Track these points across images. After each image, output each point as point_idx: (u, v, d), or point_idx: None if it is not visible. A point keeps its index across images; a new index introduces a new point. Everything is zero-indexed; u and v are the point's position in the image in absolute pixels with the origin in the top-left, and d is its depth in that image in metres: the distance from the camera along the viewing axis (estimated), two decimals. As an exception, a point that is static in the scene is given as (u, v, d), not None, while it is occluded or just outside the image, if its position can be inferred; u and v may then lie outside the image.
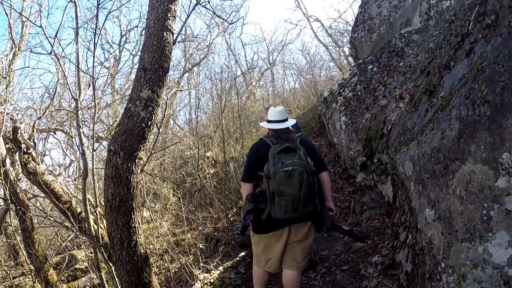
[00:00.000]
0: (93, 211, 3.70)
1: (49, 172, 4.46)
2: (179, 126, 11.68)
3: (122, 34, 13.96)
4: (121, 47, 13.91)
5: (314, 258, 3.39)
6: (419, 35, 5.17)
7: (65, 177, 4.82)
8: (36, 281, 3.61)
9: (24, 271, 4.51)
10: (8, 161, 3.82)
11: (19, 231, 4.05)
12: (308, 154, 2.16)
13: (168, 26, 2.61)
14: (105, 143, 5.83)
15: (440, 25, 5.00)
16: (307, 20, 15.73)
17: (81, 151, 3.29)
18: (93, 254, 3.47)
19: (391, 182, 3.17)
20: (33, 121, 4.41)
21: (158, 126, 4.15)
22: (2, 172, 3.45)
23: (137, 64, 2.72)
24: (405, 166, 1.92)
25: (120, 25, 18.11)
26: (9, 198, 3.55)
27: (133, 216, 2.46)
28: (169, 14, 2.62)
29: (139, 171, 2.52)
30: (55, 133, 5.09)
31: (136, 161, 2.47)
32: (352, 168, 4.70)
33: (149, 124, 2.50)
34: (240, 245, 3.96)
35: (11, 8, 4.24)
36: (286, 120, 2.33)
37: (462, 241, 1.44)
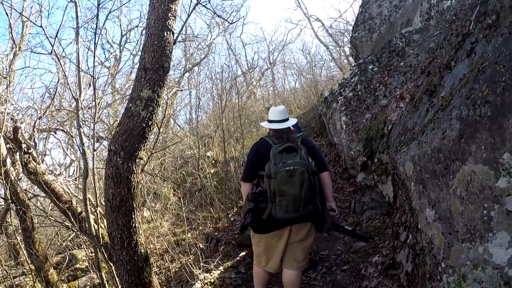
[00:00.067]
0: (94, 210, 3.70)
1: (50, 172, 4.46)
2: (179, 125, 11.69)
3: (123, 33, 13.99)
4: (121, 47, 13.93)
5: (315, 258, 3.39)
6: (419, 35, 5.17)
7: (65, 177, 4.82)
8: (37, 281, 3.62)
9: (25, 270, 4.51)
10: (8, 161, 3.82)
11: (20, 231, 4.05)
12: (309, 154, 2.16)
13: (169, 26, 2.61)
14: (105, 143, 5.83)
15: (440, 25, 4.99)
16: (307, 19, 15.76)
17: (81, 150, 3.29)
18: (93, 254, 3.47)
19: (392, 182, 3.17)
20: (33, 121, 4.41)
21: (159, 126, 4.15)
22: (2, 172, 3.46)
23: (138, 64, 2.72)
24: (406, 166, 1.92)
25: (120, 25, 18.12)
26: (9, 198, 3.55)
27: (133, 216, 2.46)
28: (169, 14, 2.62)
29: (139, 170, 2.52)
30: (55, 133, 5.10)
31: (137, 160, 2.47)
32: (352, 168, 4.70)
33: (149, 123, 2.50)
34: (238, 244, 3.96)
35: (11, 8, 4.25)
36: (287, 119, 2.32)
37: (463, 241, 1.43)
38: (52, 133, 5.09)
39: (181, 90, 11.45)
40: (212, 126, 8.64)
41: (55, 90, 5.13)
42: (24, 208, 3.91)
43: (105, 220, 2.87)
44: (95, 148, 3.34)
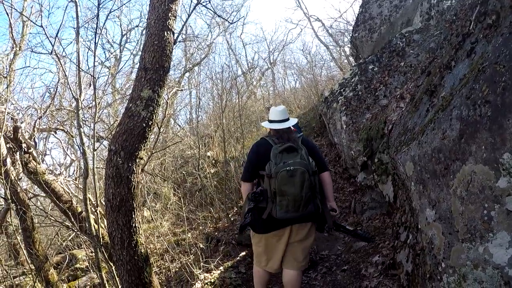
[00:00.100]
0: (94, 210, 3.70)
1: (50, 172, 4.46)
2: (179, 125, 11.70)
3: (123, 33, 14.00)
4: (121, 47, 13.95)
5: (315, 258, 3.39)
6: (420, 35, 5.17)
7: (65, 177, 4.82)
8: (37, 281, 3.62)
9: (25, 270, 4.52)
10: (9, 160, 3.83)
11: (20, 231, 4.06)
12: (309, 154, 2.16)
13: (169, 26, 2.61)
14: (105, 142, 5.83)
15: (441, 25, 4.99)
16: (307, 19, 15.78)
17: (81, 150, 3.30)
18: (93, 254, 3.48)
19: (392, 182, 3.17)
20: (33, 120, 4.41)
21: (159, 126, 4.15)
22: (3, 172, 3.46)
23: (138, 64, 2.72)
24: (406, 166, 1.92)
25: (121, 25, 18.10)
26: (9, 198, 3.55)
27: (133, 216, 2.46)
28: (169, 14, 2.62)
29: (139, 170, 2.52)
30: (55, 132, 5.10)
31: (137, 160, 2.47)
32: (352, 167, 4.70)
33: (149, 123, 2.50)
34: (238, 244, 3.96)
35: (12, 7, 4.25)
36: (287, 119, 2.32)
37: (463, 241, 1.43)
38: (52, 132, 5.09)
39: (182, 90, 11.46)
40: (212, 126, 8.64)
41: (55, 89, 5.13)
42: (24, 208, 3.91)
43: (105, 220, 2.87)
44: (95, 148, 3.34)
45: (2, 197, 4.08)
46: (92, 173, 3.15)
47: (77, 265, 4.74)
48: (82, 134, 3.19)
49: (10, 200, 3.56)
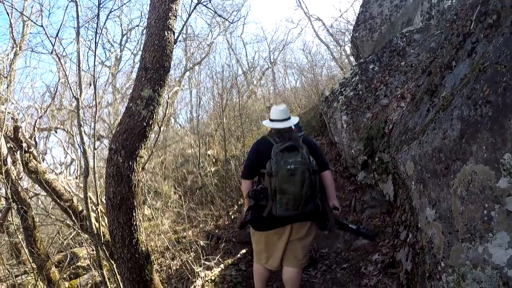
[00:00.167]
0: (95, 209, 3.72)
1: (51, 171, 4.47)
2: (180, 124, 11.70)
3: (123, 33, 13.95)
4: (122, 47, 13.90)
5: (315, 256, 3.40)
6: (420, 35, 5.16)
7: (66, 176, 4.83)
8: (38, 279, 3.63)
9: (26, 269, 4.53)
10: (9, 160, 3.83)
11: (21, 230, 4.06)
12: (310, 153, 2.16)
13: (169, 25, 2.61)
14: (106, 141, 5.84)
15: (441, 24, 4.98)
16: (308, 19, 15.77)
17: (82, 149, 3.30)
18: (94, 252, 3.48)
19: (392, 181, 3.18)
20: (34, 120, 4.42)
21: (159, 125, 4.16)
22: (3, 171, 3.47)
23: (138, 63, 2.72)
24: (406, 165, 1.92)
25: (121, 25, 17.99)
26: (10, 197, 3.56)
27: (134, 214, 2.47)
28: (170, 14, 2.62)
29: (140, 169, 2.53)
30: (56, 132, 5.11)
31: (137, 159, 2.48)
32: (353, 166, 4.70)
33: (150, 123, 2.51)
34: (239, 241, 3.97)
35: (12, 7, 4.24)
36: (288, 118, 2.33)
37: (463, 241, 1.44)
38: (53, 132, 5.10)
39: (182, 89, 11.46)
40: (212, 125, 8.65)
41: (55, 89, 5.14)
42: (25, 207, 3.92)
43: (106, 218, 2.88)
44: (96, 147, 3.35)
45: (3, 197, 4.09)
46: (93, 171, 3.15)
47: (79, 263, 4.75)
48: (83, 133, 3.19)
49: (11, 199, 3.57)
